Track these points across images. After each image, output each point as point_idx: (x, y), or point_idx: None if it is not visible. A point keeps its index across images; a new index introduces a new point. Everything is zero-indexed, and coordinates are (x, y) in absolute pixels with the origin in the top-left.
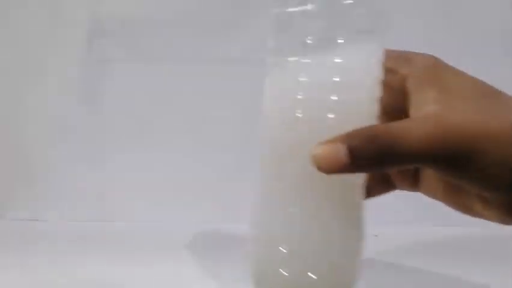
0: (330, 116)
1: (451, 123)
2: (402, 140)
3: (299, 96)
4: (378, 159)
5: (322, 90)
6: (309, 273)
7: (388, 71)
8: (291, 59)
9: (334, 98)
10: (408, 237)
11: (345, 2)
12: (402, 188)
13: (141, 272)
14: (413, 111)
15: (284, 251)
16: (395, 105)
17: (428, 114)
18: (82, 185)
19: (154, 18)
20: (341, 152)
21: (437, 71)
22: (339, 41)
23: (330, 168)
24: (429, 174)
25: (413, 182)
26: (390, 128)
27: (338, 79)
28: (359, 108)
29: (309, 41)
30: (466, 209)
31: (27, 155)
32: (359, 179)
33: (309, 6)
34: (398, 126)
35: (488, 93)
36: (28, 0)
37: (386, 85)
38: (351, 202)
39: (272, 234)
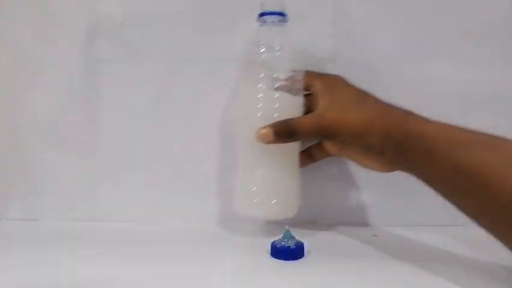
0: (276, 115)
1: (326, 117)
2: (299, 126)
3: (260, 105)
4: (288, 135)
5: (271, 101)
6: (272, 201)
7: (311, 84)
8: (256, 85)
9: (277, 105)
10: (408, 237)
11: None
12: (333, 155)
13: (137, 271)
14: (314, 110)
15: (254, 189)
16: (314, 105)
17: (317, 112)
18: (80, 185)
19: (154, 18)
20: (270, 132)
21: (334, 86)
22: (280, 75)
23: (265, 141)
24: (343, 146)
25: (337, 151)
26: (294, 119)
27: (278, 96)
28: (291, 112)
29: (263, 74)
30: (363, 165)
31: (24, 155)
32: (292, 149)
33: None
34: (298, 118)
35: (357, 99)
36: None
37: (309, 93)
38: (290, 160)
39: (247, 182)
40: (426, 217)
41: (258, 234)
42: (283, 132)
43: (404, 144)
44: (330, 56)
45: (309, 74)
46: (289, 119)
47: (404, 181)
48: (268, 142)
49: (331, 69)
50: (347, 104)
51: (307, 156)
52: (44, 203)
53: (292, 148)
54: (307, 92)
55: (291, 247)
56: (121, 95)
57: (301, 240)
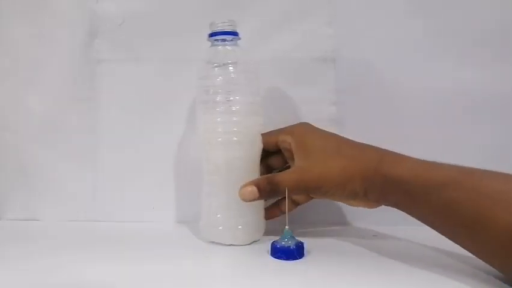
0: (235, 138)
1: (308, 171)
2: (281, 183)
3: (219, 130)
4: (271, 192)
5: (229, 125)
6: (238, 227)
7: (282, 140)
8: (213, 109)
9: (235, 129)
10: (408, 237)
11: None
12: (302, 203)
13: (137, 271)
14: (292, 165)
15: (219, 216)
16: (290, 160)
17: (296, 168)
18: (80, 185)
19: (154, 18)
20: (255, 190)
21: (304, 137)
22: (237, 97)
23: (250, 198)
24: (325, 195)
25: (317, 197)
26: (277, 176)
27: (236, 119)
28: (250, 134)
29: (219, 98)
30: (349, 204)
31: (24, 155)
32: (254, 172)
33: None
34: (280, 175)
35: (331, 147)
36: (26, 0)
37: (285, 149)
38: None
39: (212, 209)
40: None
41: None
42: (267, 189)
43: (384, 188)
44: (330, 56)
45: (275, 133)
46: (272, 175)
47: None
48: (253, 199)
49: (331, 70)
50: (323, 155)
51: (277, 209)
52: (44, 203)
53: (255, 171)
54: (279, 149)
55: (291, 247)
56: (121, 95)
57: (301, 240)
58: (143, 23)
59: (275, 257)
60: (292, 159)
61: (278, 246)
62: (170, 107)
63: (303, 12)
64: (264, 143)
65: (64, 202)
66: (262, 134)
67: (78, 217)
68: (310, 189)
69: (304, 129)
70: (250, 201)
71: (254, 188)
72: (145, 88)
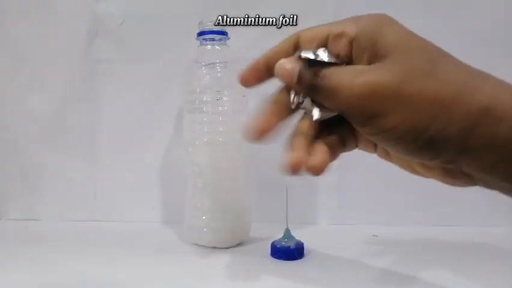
0: (220, 139)
1: (385, 71)
2: (333, 77)
3: (205, 130)
4: (310, 85)
5: (215, 125)
6: (222, 229)
7: (338, 35)
8: (200, 109)
9: (221, 129)
10: (408, 237)
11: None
12: (363, 149)
13: (137, 271)
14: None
15: (204, 217)
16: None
17: (359, 67)
18: (80, 185)
19: (153, 18)
20: (295, 68)
21: (381, 29)
22: (225, 98)
23: (283, 76)
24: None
25: (372, 146)
26: (331, 71)
27: (223, 119)
28: (233, 137)
29: (206, 97)
30: (411, 169)
31: (24, 155)
32: (241, 172)
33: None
34: (338, 70)
35: (427, 54)
36: (27, 0)
37: (335, 52)
38: (240, 184)
39: (196, 210)
40: (426, 217)
41: (258, 234)
42: (306, 77)
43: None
44: None
45: (324, 26)
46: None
47: (404, 181)
48: (290, 81)
49: None
50: (410, 66)
51: (340, 142)
52: (44, 203)
53: (241, 174)
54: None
55: (291, 247)
56: (121, 95)
57: (301, 240)
58: (143, 23)
59: (275, 257)
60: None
61: (278, 246)
62: (171, 107)
63: (303, 12)
64: (306, 40)
65: (64, 202)
66: (303, 30)
67: (78, 217)
68: (367, 108)
69: (378, 20)
70: (283, 80)
71: (296, 68)
72: (145, 87)
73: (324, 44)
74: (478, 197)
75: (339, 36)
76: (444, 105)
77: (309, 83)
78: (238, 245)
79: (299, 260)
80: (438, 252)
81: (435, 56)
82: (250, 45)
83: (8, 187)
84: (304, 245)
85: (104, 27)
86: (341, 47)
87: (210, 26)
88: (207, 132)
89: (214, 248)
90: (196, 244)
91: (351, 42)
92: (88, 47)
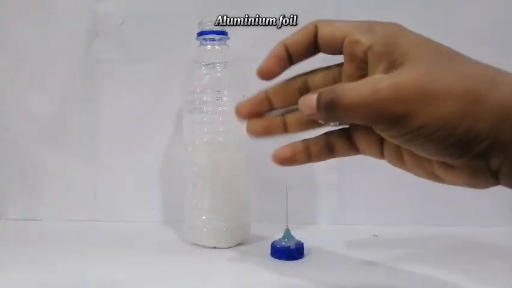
0: (220, 139)
1: (405, 77)
2: (349, 93)
3: (205, 129)
4: (329, 107)
5: (216, 125)
6: (223, 229)
7: (353, 42)
8: (200, 108)
9: (221, 129)
10: (408, 237)
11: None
12: (367, 154)
13: (137, 271)
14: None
15: (204, 217)
16: (359, 73)
17: (374, 77)
18: (80, 185)
19: (153, 18)
20: (313, 99)
21: (396, 38)
22: (225, 98)
23: (305, 110)
24: (390, 143)
25: (379, 150)
26: (344, 84)
27: (223, 119)
28: (237, 133)
29: (206, 97)
30: (429, 174)
31: (24, 155)
32: (240, 172)
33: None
34: (350, 84)
35: (444, 52)
36: (27, 0)
37: (351, 55)
38: (239, 183)
39: (196, 210)
40: (426, 217)
41: (258, 234)
42: (323, 101)
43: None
44: (329, 56)
45: (343, 26)
46: (337, 85)
47: (404, 181)
48: (308, 114)
49: None
50: (432, 65)
51: (326, 148)
52: (44, 203)
53: (241, 174)
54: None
55: (291, 247)
56: (121, 95)
57: (301, 240)
58: (143, 23)
59: (275, 257)
60: (363, 72)
61: (278, 246)
62: (171, 107)
63: (303, 12)
64: (324, 37)
65: (64, 202)
66: (321, 22)
67: (78, 217)
68: (389, 113)
69: (392, 28)
70: (306, 115)
71: (313, 98)
72: (145, 88)
73: (340, 46)
74: (478, 197)
75: (355, 42)
76: (474, 99)
77: (327, 107)
78: (238, 245)
79: (299, 260)
80: (439, 252)
81: (454, 55)
82: (250, 45)
83: (8, 187)
84: (304, 245)
85: (104, 27)
86: (357, 52)
87: (210, 26)
88: (207, 132)
89: (214, 248)
90: (196, 244)
91: (365, 52)
92: (88, 47)
